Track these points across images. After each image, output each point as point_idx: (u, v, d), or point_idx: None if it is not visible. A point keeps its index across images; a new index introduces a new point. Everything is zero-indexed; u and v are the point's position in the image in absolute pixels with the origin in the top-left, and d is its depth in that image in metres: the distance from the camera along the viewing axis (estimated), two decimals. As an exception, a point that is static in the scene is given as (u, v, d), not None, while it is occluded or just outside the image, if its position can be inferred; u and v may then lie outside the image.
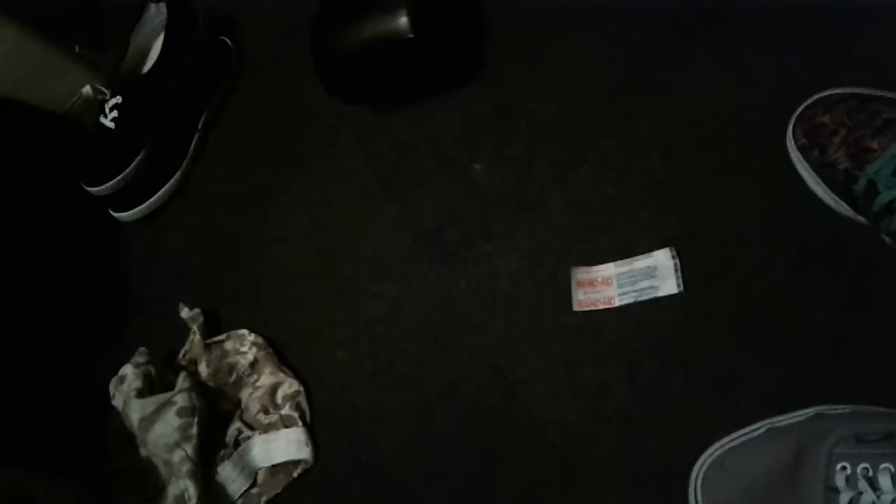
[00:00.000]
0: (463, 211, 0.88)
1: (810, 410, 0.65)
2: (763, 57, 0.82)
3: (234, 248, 0.96)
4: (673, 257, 0.77)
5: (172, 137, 1.03)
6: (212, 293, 0.93)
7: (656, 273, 0.78)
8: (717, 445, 0.66)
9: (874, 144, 0.65)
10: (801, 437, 0.62)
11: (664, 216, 0.80)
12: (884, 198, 0.62)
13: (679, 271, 0.77)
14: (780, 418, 0.65)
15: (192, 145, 1.04)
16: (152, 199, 1.02)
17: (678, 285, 0.76)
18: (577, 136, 0.87)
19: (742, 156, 0.79)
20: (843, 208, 0.70)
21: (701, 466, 0.66)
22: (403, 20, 0.87)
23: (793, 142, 0.73)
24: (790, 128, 0.73)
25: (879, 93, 0.70)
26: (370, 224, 0.91)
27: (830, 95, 0.71)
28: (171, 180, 1.02)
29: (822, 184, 0.71)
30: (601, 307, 0.78)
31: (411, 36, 0.87)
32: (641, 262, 0.79)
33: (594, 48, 0.89)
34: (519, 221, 0.85)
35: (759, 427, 0.65)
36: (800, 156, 0.72)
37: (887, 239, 0.65)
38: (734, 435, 0.66)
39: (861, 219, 0.69)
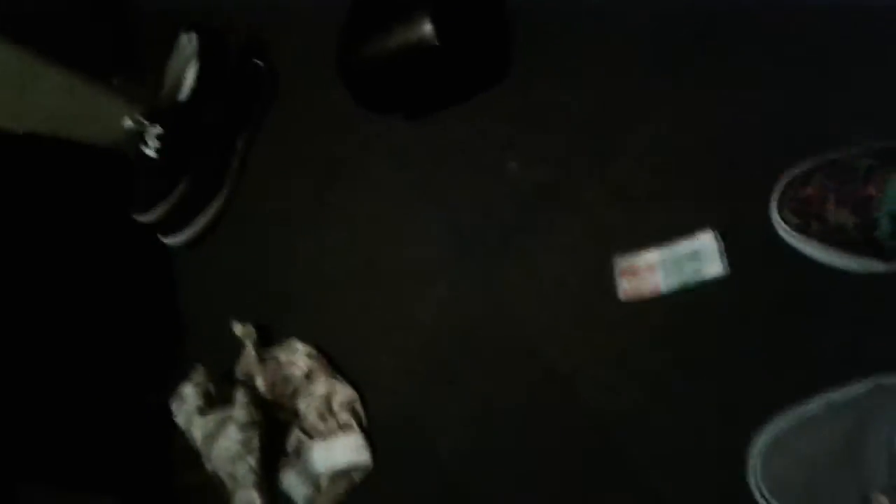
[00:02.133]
0: (501, 209, 0.89)
1: (869, 382, 0.64)
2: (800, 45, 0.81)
3: (281, 264, 0.98)
4: (717, 239, 0.77)
5: (213, 161, 1.06)
6: (262, 308, 0.95)
7: (701, 256, 0.77)
8: (773, 424, 0.66)
9: (870, 191, 0.65)
10: (862, 411, 0.61)
11: (705, 198, 0.80)
12: None
13: (724, 253, 0.76)
14: (836, 393, 0.64)
15: (233, 167, 1.07)
16: (198, 222, 1.04)
17: (724, 267, 0.76)
18: (611, 127, 0.87)
19: (783, 133, 0.78)
20: (868, 265, 0.68)
21: (759, 447, 0.65)
22: (428, 28, 0.88)
23: (786, 228, 0.71)
24: (775, 217, 0.72)
25: (841, 152, 0.70)
26: (410, 230, 0.93)
27: (796, 175, 0.71)
28: (216, 202, 1.05)
29: (836, 252, 0.69)
30: (647, 295, 0.78)
31: (437, 44, 0.88)
32: (685, 246, 0.78)
33: (622, 37, 0.89)
34: (558, 215, 0.86)
35: (816, 403, 0.65)
36: (801, 236, 0.71)
37: None
38: (790, 413, 0.66)
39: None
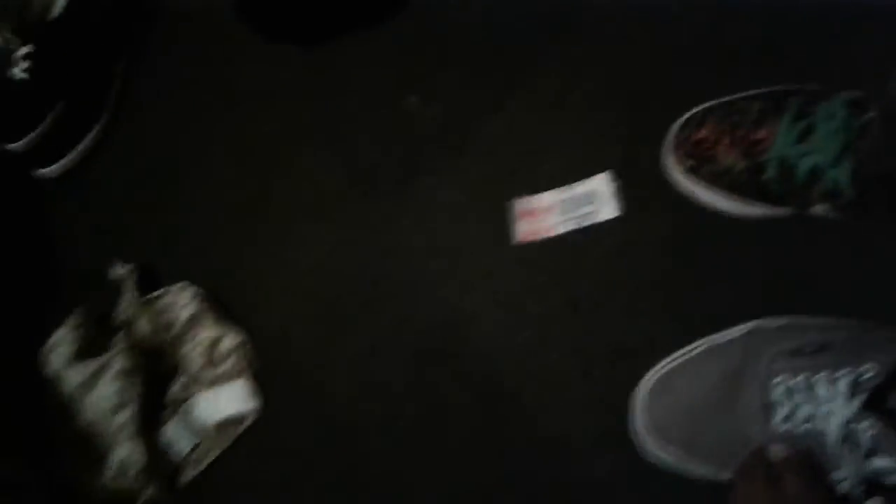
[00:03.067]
0: (400, 145, 0.86)
1: (747, 325, 0.65)
2: None
3: (166, 199, 0.92)
4: (612, 181, 0.77)
5: (90, 84, 0.98)
6: (145, 248, 0.89)
7: (596, 198, 0.77)
8: (657, 367, 0.67)
9: (761, 134, 0.65)
10: (739, 353, 0.62)
11: (603, 141, 0.79)
12: (804, 166, 0.62)
13: (618, 195, 0.76)
14: (718, 335, 0.66)
15: (112, 94, 0.99)
16: (73, 154, 0.97)
17: (618, 209, 0.76)
18: (512, 62, 0.84)
19: (680, 76, 0.78)
20: (753, 209, 0.69)
21: (642, 389, 0.66)
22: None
23: (679, 170, 0.71)
24: (670, 158, 0.72)
25: (737, 95, 0.70)
26: (304, 165, 0.88)
27: (694, 113, 0.71)
28: (94, 130, 0.97)
29: (723, 193, 0.69)
30: (543, 236, 0.78)
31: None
32: (581, 189, 0.78)
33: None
34: (457, 153, 0.83)
35: (699, 346, 0.66)
36: (692, 178, 0.71)
37: (820, 209, 0.65)
38: (674, 355, 0.67)
39: (779, 210, 0.68)
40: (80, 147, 0.97)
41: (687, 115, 0.72)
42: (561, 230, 0.77)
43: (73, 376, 0.77)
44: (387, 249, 0.82)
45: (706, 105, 0.72)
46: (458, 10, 0.87)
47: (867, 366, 0.52)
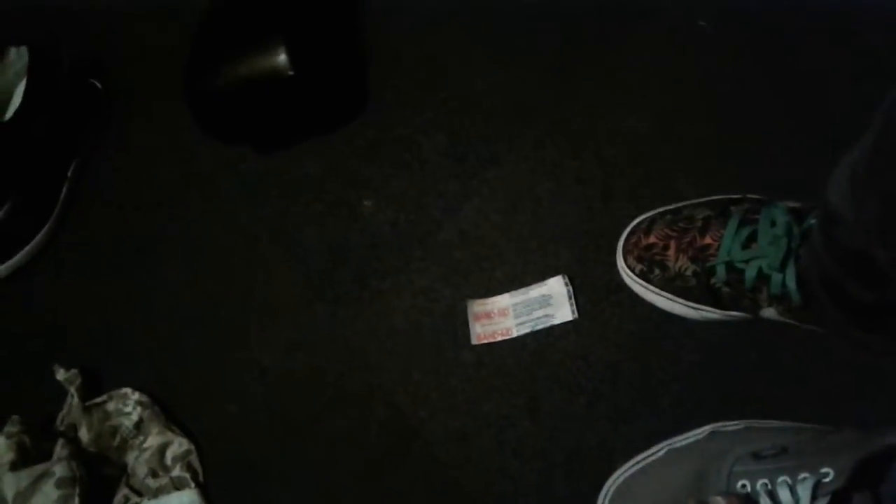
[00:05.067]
0: (354, 249, 0.86)
1: (706, 428, 0.66)
2: (649, 87, 0.84)
3: (112, 303, 0.90)
4: (566, 284, 0.78)
5: (39, 188, 0.97)
6: (90, 352, 0.87)
7: (551, 301, 0.78)
8: (620, 471, 0.66)
9: (707, 240, 0.68)
10: (701, 456, 0.63)
11: (555, 244, 0.81)
12: (750, 271, 0.64)
13: (573, 298, 0.77)
14: (677, 438, 0.66)
15: (62, 196, 0.98)
16: (20, 255, 0.94)
17: (573, 312, 0.77)
18: (466, 168, 0.87)
19: (628, 183, 0.81)
20: (706, 313, 0.71)
21: (604, 494, 0.66)
22: (282, 58, 0.85)
23: (630, 273, 0.74)
24: (620, 263, 0.74)
25: (682, 203, 0.74)
26: (257, 268, 0.88)
27: (641, 221, 0.74)
28: (40, 234, 0.96)
29: (676, 298, 0.72)
30: (499, 339, 0.78)
31: (291, 74, 0.84)
32: (536, 291, 0.79)
33: (479, 78, 0.90)
34: (412, 256, 0.84)
35: (659, 449, 0.66)
36: (643, 283, 0.73)
37: (770, 312, 0.66)
38: (636, 459, 0.67)
39: (731, 314, 0.70)
40: (28, 248, 0.95)
41: (635, 222, 0.75)
42: (517, 333, 0.78)
43: (10, 485, 0.73)
44: (341, 354, 0.81)
45: (654, 212, 0.74)
46: (413, 115, 0.90)
47: (826, 469, 0.52)
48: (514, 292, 0.79)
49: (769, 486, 0.56)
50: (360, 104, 0.93)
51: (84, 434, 0.80)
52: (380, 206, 0.87)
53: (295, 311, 0.85)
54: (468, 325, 0.79)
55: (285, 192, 0.91)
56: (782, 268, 0.62)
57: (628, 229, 0.75)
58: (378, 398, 0.78)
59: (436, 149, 0.88)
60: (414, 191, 0.87)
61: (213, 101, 0.89)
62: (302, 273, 0.86)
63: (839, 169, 0.50)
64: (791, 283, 0.61)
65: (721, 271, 0.67)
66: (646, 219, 0.74)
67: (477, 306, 0.80)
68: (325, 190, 0.90)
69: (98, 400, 0.82)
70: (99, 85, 1.03)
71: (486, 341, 0.78)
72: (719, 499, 0.56)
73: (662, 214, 0.74)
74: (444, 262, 0.83)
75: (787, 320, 0.66)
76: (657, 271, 0.71)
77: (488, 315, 0.79)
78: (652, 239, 0.72)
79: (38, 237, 0.95)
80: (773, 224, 0.64)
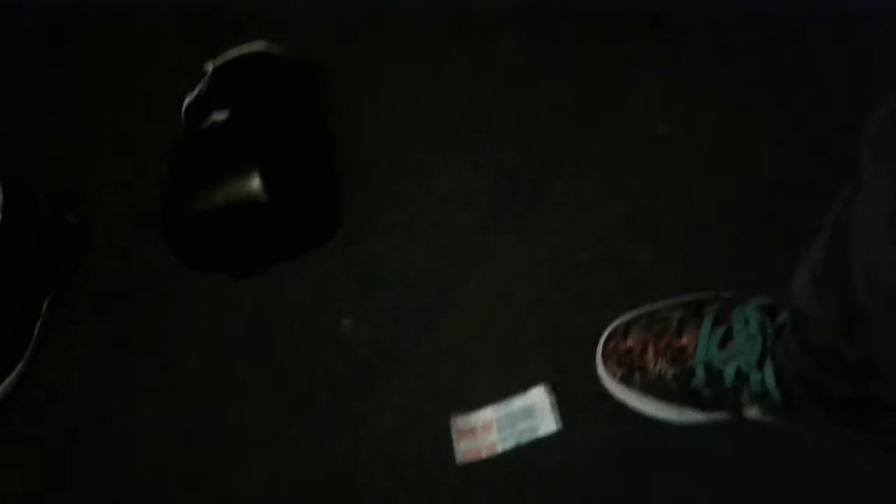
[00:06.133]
0: (334, 369, 0.85)
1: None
2: (616, 191, 0.87)
3: (86, 439, 0.88)
4: (549, 394, 0.77)
5: (13, 325, 0.95)
6: (66, 485, 0.84)
7: (534, 412, 0.77)
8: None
9: (683, 341, 0.69)
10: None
11: (535, 352, 0.80)
12: (729, 371, 0.64)
13: (556, 408, 0.76)
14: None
15: (35, 332, 0.97)
16: (-9, 397, 0.93)
17: (557, 422, 0.76)
18: (441, 282, 0.87)
19: (602, 286, 0.82)
20: (689, 415, 0.71)
21: None
22: (257, 185, 0.86)
23: (611, 380, 0.74)
24: (601, 369, 0.74)
25: (656, 305, 0.75)
26: (236, 395, 0.86)
27: (616, 327, 0.75)
28: (13, 373, 0.94)
29: (658, 401, 0.71)
30: (485, 455, 0.76)
31: (266, 201, 0.86)
32: (518, 403, 0.78)
33: (449, 194, 0.91)
34: (392, 374, 0.83)
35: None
36: (624, 388, 0.73)
37: (753, 412, 0.66)
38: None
39: (715, 415, 0.69)
40: (3, 385, 0.93)
41: (612, 327, 0.75)
42: (501, 448, 0.76)
43: None
44: (323, 479, 0.79)
45: (629, 316, 0.75)
46: (389, 232, 0.91)
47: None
48: (496, 405, 0.78)
49: None
50: (336, 224, 0.94)
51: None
52: (358, 324, 0.87)
53: (274, 438, 0.83)
54: (452, 442, 0.77)
55: (262, 315, 0.91)
56: (760, 366, 0.62)
57: (606, 334, 0.75)
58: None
59: (412, 264, 0.89)
60: (391, 308, 0.87)
61: (188, 228, 0.90)
62: (281, 397, 0.85)
63: (802, 268, 0.51)
64: (770, 381, 0.61)
65: (700, 372, 0.67)
66: (622, 323, 0.75)
67: (461, 423, 0.78)
68: (303, 311, 0.90)
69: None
70: (75, 220, 1.04)
71: (471, 459, 0.76)
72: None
73: (638, 318, 0.74)
74: (425, 379, 0.82)
75: (772, 420, 0.65)
76: (638, 375, 0.71)
77: (472, 431, 0.78)
78: (630, 343, 0.72)
79: (11, 376, 0.93)
80: (747, 322, 0.64)
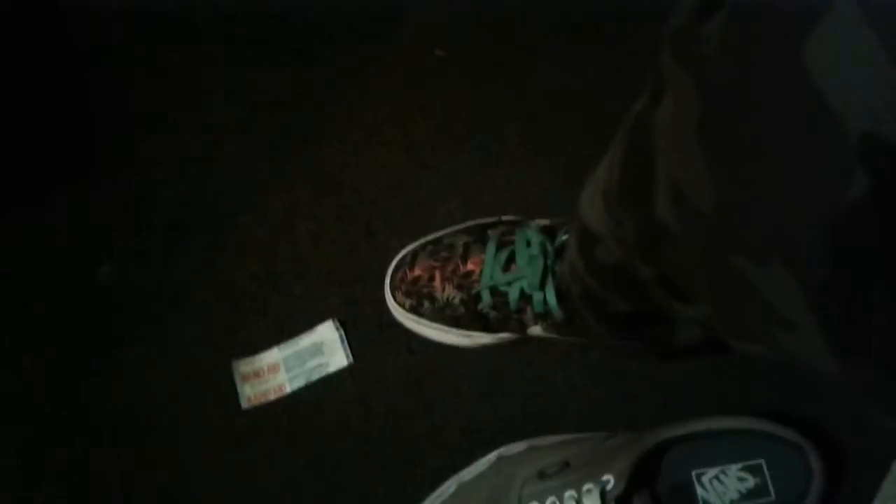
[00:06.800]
0: (95, 322, 0.76)
1: (492, 456, 0.65)
2: (397, 119, 0.84)
3: None
4: (337, 328, 0.75)
5: None
6: None
7: (323, 348, 0.74)
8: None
9: (469, 266, 0.69)
10: (490, 485, 0.62)
11: (320, 287, 0.77)
12: (513, 293, 0.65)
13: (346, 342, 0.74)
14: (466, 471, 0.65)
15: None
16: None
17: (347, 357, 0.74)
18: (213, 217, 0.80)
19: (386, 217, 0.80)
20: (477, 338, 0.72)
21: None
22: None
23: (400, 309, 0.72)
24: (389, 298, 0.73)
25: (440, 232, 0.74)
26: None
27: (404, 256, 0.74)
28: None
29: (448, 329, 0.71)
30: (273, 398, 0.73)
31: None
32: (306, 340, 0.75)
33: (213, 118, 0.83)
34: (164, 320, 0.76)
35: (448, 486, 0.64)
36: (414, 317, 0.72)
37: (537, 330, 0.68)
38: (429, 499, 0.65)
39: (501, 336, 0.71)
40: None
41: (399, 257, 0.74)
42: (291, 388, 0.73)
43: None
44: (95, 434, 0.72)
45: (415, 244, 0.74)
46: (154, 166, 0.82)
47: (607, 476, 0.54)
48: (282, 345, 0.75)
49: (558, 503, 0.57)
50: (91, 159, 0.83)
51: None
52: (121, 269, 0.78)
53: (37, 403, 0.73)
54: (236, 387, 0.73)
55: (10, 269, 0.79)
56: (542, 286, 0.64)
57: (393, 264, 0.74)
58: (139, 485, 0.69)
59: (176, 199, 0.81)
60: (159, 248, 0.79)
61: None
62: (37, 364, 0.75)
63: (589, 188, 0.50)
64: (552, 300, 0.63)
65: (486, 296, 0.67)
66: (409, 252, 0.74)
67: (244, 366, 0.74)
68: (53, 258, 0.79)
69: None
70: None
71: (258, 403, 0.72)
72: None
73: (424, 246, 0.73)
74: (200, 321, 0.76)
75: (553, 335, 0.68)
76: (426, 304, 0.71)
77: (257, 374, 0.74)
78: (417, 272, 0.71)
79: None
80: (529, 244, 0.66)
